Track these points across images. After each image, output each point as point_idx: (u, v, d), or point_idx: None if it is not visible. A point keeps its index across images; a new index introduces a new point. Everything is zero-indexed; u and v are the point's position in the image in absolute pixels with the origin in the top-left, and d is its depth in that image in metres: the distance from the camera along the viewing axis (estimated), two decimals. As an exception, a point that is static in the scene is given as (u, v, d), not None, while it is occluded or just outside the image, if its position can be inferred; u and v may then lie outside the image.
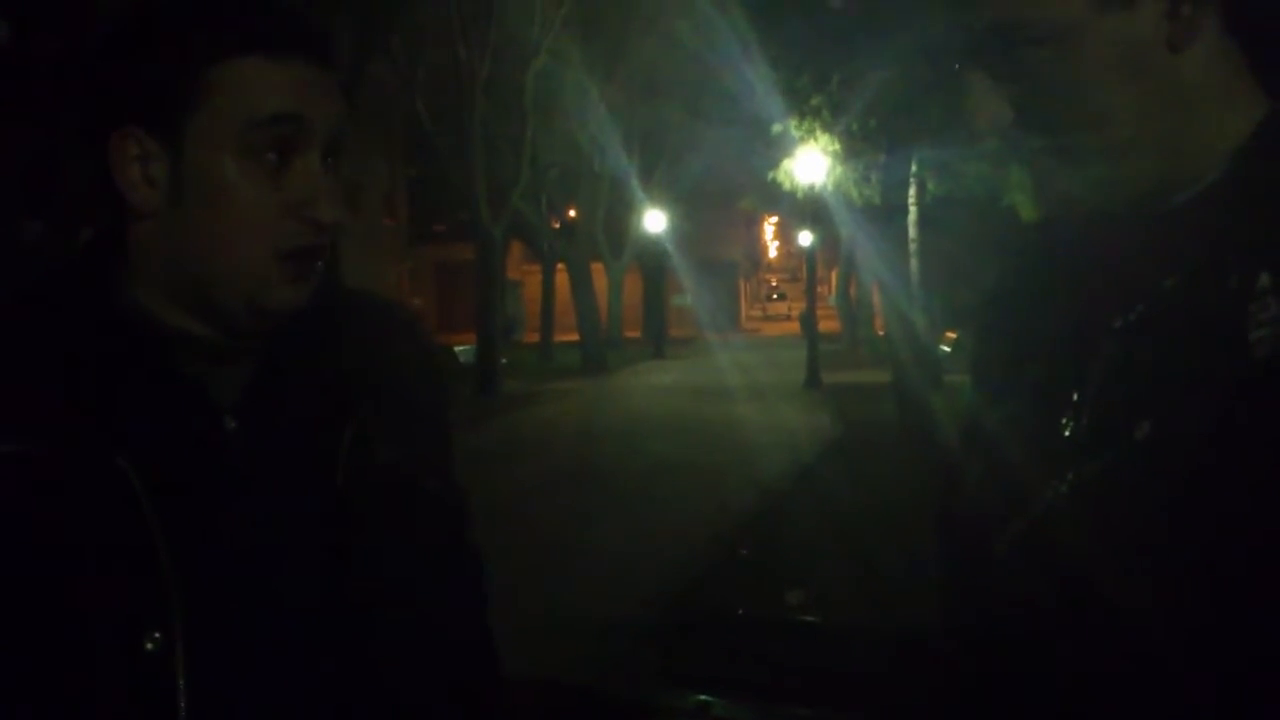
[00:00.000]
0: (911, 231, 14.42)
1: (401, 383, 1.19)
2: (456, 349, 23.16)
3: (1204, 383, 0.82)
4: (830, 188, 15.81)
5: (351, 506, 1.09)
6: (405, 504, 1.14)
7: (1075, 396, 0.91)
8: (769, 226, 70.59)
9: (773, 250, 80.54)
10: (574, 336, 29.42)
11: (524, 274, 42.68)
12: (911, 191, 14.37)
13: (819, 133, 14.52)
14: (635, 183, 28.23)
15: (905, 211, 14.48)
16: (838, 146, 14.62)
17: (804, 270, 28.56)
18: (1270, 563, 0.76)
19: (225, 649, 1.01)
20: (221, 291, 1.04)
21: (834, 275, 36.80)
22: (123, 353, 1.03)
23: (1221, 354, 0.81)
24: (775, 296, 75.28)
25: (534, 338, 34.82)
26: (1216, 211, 0.86)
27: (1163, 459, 0.83)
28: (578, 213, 30.89)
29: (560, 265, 30.55)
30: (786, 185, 16.89)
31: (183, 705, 0.98)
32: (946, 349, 19.46)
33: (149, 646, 0.97)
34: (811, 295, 23.46)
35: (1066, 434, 0.90)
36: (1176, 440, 0.82)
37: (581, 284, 28.32)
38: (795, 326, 39.67)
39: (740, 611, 5.93)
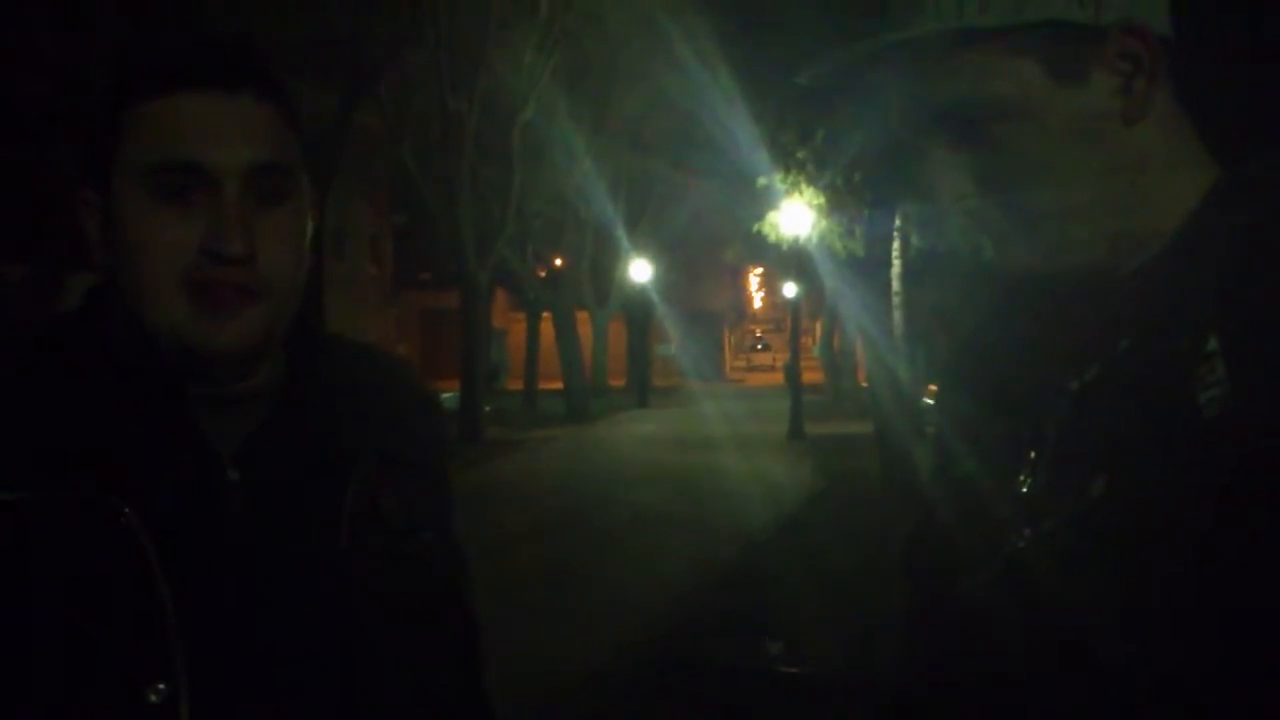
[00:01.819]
0: (895, 284, 14.49)
1: (404, 436, 1.19)
2: (441, 396, 23.03)
3: (1156, 442, 0.84)
4: (815, 240, 15.90)
5: (355, 557, 1.09)
6: (407, 556, 1.14)
7: (1032, 454, 0.93)
8: (754, 277, 70.86)
9: (757, 301, 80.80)
10: (558, 384, 29.37)
11: (509, 322, 42.69)
12: (895, 245, 14.46)
13: (804, 186, 14.65)
14: (621, 232, 28.32)
15: (889, 265, 14.56)
16: (822, 200, 14.74)
17: (788, 321, 28.64)
18: (1224, 615, 0.78)
19: (229, 700, 1.00)
20: (158, 336, 1.03)
21: (818, 326, 36.90)
22: (124, 402, 1.03)
23: (1172, 415, 0.83)
24: (760, 347, 75.41)
25: (518, 385, 34.74)
26: (1167, 276, 0.89)
27: (1117, 515, 0.85)
28: (563, 261, 30.97)
29: (545, 313, 30.57)
30: (771, 237, 17.00)
31: None
32: (929, 401, 19.50)
33: (153, 698, 0.96)
34: (795, 346, 23.53)
35: (1024, 490, 0.93)
36: (1130, 498, 0.84)
37: (566, 332, 28.33)
38: (779, 377, 39.70)
39: (721, 662, 5.90)
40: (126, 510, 0.98)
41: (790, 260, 20.30)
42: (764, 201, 16.35)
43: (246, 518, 1.05)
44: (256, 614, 1.03)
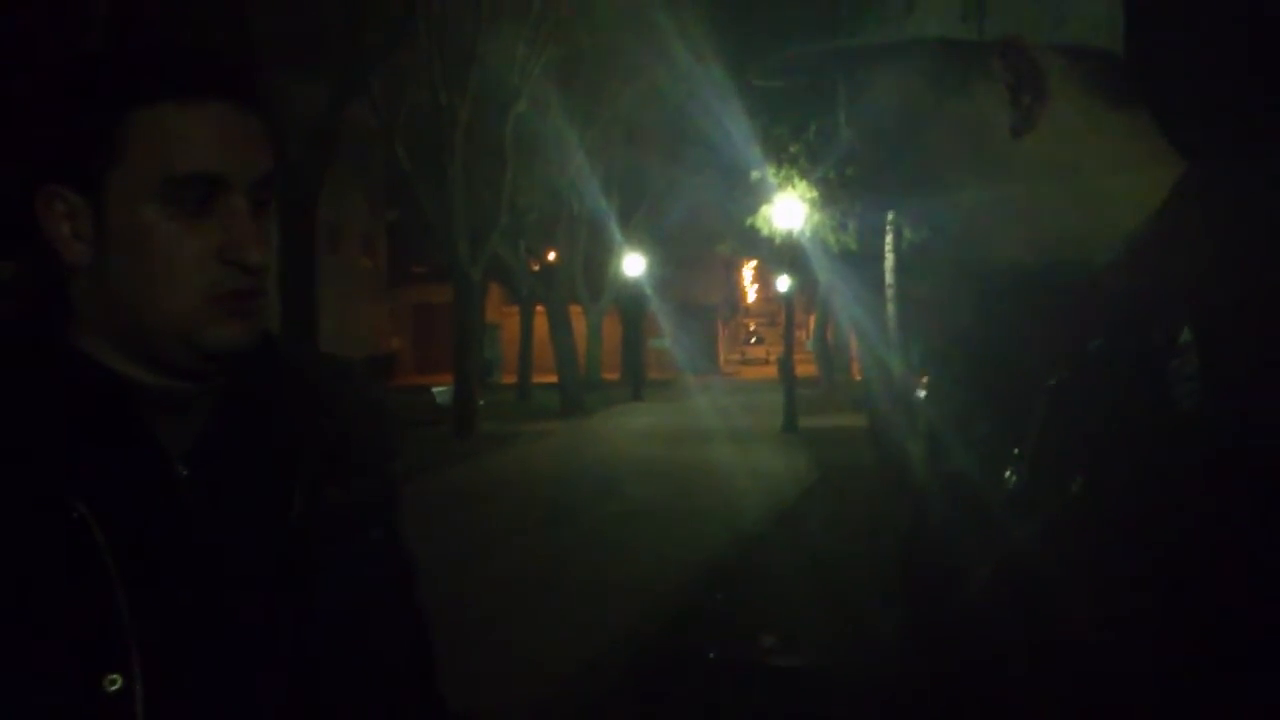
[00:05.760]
0: (888, 277, 14.53)
1: (351, 437, 1.22)
2: (434, 389, 23.11)
3: (1132, 437, 0.85)
4: (808, 234, 15.96)
5: (304, 552, 1.12)
6: (355, 552, 1.17)
7: (1016, 451, 0.94)
8: (748, 271, 70.80)
9: (751, 294, 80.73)
10: (552, 378, 29.39)
11: (503, 316, 42.67)
12: (888, 239, 14.50)
13: (796, 180, 14.70)
14: (614, 226, 28.33)
15: (882, 258, 14.60)
16: (815, 194, 14.80)
17: (782, 315, 28.67)
18: (1209, 606, 0.79)
19: (184, 689, 1.03)
20: (159, 337, 1.06)
21: (812, 320, 36.95)
22: (75, 400, 1.05)
23: (1148, 408, 0.84)
24: (753, 340, 75.39)
25: (512, 379, 34.76)
26: (1139, 270, 0.90)
27: (1095, 513, 0.85)
28: (557, 256, 30.96)
29: (539, 307, 30.59)
30: (765, 231, 17.05)
31: None
32: (923, 394, 19.52)
33: (108, 688, 0.99)
34: (789, 339, 23.54)
35: (1010, 488, 0.94)
36: (1108, 493, 0.85)
37: (560, 326, 28.34)
38: (773, 370, 39.71)
39: (714, 655, 5.92)
40: (79, 506, 1.01)
41: (784, 254, 20.31)
42: (757, 195, 16.40)
43: (197, 512, 1.08)
44: (209, 605, 1.06)
